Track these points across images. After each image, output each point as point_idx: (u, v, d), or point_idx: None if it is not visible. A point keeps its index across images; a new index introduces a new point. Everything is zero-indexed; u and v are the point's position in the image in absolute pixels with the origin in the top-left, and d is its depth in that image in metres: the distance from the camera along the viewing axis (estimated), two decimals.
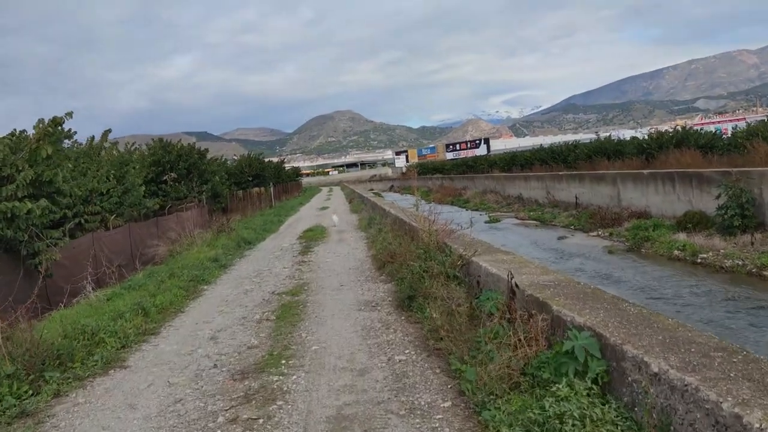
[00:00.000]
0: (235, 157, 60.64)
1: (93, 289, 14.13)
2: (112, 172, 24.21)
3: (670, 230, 21.62)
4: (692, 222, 21.11)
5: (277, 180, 70.25)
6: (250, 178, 56.15)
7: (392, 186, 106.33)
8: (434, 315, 7.96)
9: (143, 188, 27.20)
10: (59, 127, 16.46)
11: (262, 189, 58.62)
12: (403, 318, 9.55)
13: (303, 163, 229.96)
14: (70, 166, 17.14)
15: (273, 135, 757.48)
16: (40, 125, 15.59)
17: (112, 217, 23.66)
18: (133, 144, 36.06)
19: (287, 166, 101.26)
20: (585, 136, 77.63)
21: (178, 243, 24.06)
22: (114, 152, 27.09)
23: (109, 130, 27.00)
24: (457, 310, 7.78)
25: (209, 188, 37.24)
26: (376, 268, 14.66)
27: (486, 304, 7.25)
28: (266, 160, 68.68)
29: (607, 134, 51.95)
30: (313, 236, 24.74)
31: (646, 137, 38.33)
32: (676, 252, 19.47)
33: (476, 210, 42.56)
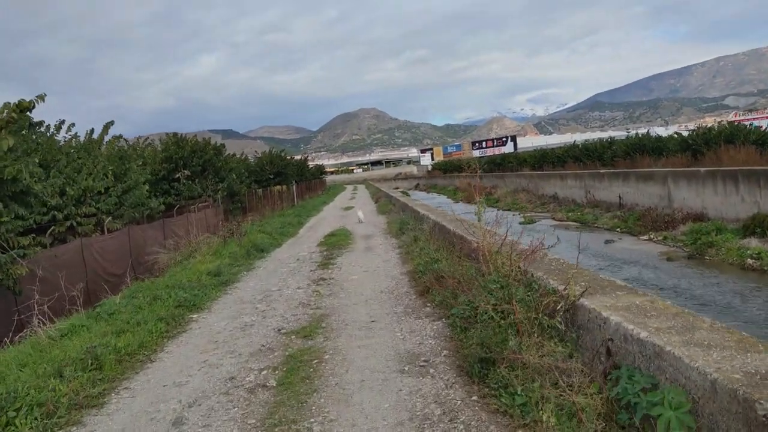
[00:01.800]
0: (257, 154, 57.89)
1: (50, 320, 10.88)
2: (111, 168, 21.33)
3: (735, 235, 19.93)
4: (762, 226, 19.29)
5: (300, 178, 68.05)
6: (272, 176, 53.91)
7: (418, 184, 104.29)
8: (546, 418, 4.54)
9: (147, 186, 24.17)
10: (27, 113, 13.36)
11: (284, 187, 55.95)
12: (474, 398, 5.99)
13: (327, 161, 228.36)
14: (36, 160, 14.02)
15: (298, 133, 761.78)
16: (5, 111, 12.52)
17: (108, 219, 20.79)
18: (147, 139, 33.61)
19: (311, 163, 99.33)
20: (613, 134, 76.58)
21: (179, 251, 20.95)
22: (116, 147, 24.01)
23: (111, 123, 24.05)
24: (581, 406, 4.44)
25: (225, 186, 34.40)
26: (417, 292, 11.25)
27: (646, 410, 3.92)
28: (289, 157, 66.07)
29: (642, 131, 49.45)
30: (336, 242, 21.46)
31: (690, 133, 36.31)
32: (749, 261, 17.76)
33: (508, 210, 40.21)
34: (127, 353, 8.68)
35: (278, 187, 54.85)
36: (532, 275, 7.13)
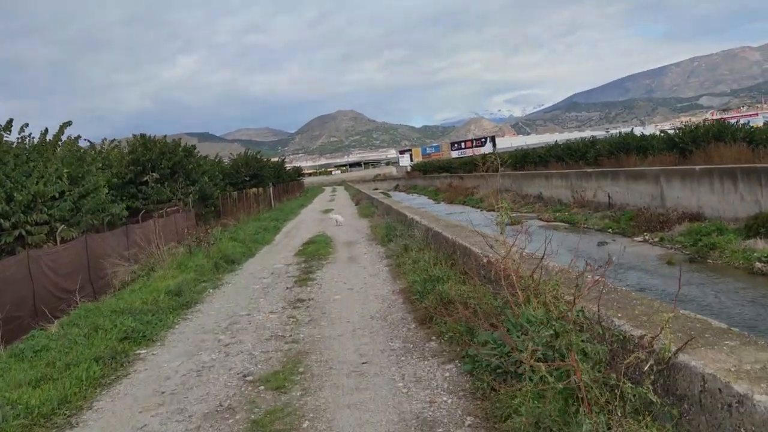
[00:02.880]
0: (232, 156, 55.98)
1: None
2: (66, 171, 19.23)
3: (738, 236, 18.85)
4: (766, 226, 18.34)
5: (278, 180, 65.96)
6: (247, 178, 51.93)
7: (398, 185, 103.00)
8: None
9: (107, 190, 22.03)
10: None
11: (261, 190, 53.98)
12: None
13: (305, 163, 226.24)
14: None
15: (275, 135, 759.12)
16: None
17: (61, 227, 18.73)
18: (113, 141, 31.57)
19: (289, 165, 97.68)
20: (591, 134, 77.05)
21: (139, 263, 18.80)
22: (73, 148, 21.88)
23: (69, 123, 21.80)
24: None
25: (197, 190, 32.34)
26: (417, 320, 9.16)
27: None
28: (266, 159, 64.16)
29: (624, 130, 49.16)
30: (315, 251, 19.34)
31: (676, 131, 35.82)
32: (758, 264, 16.53)
33: (491, 210, 37.49)
34: (42, 414, 6.53)
35: (254, 189, 52.97)
36: (599, 317, 5.10)
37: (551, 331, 4.81)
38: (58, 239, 18.44)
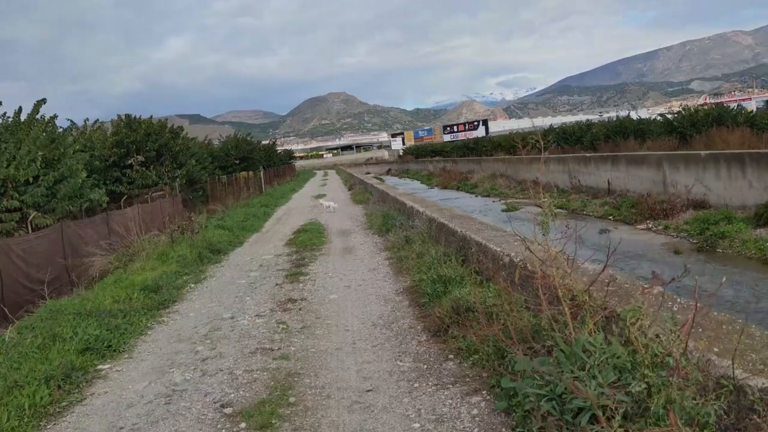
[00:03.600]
0: (222, 138, 54.52)
1: None
2: (40, 153, 18.00)
3: (747, 224, 18.29)
4: None
5: (268, 163, 64.66)
6: (237, 161, 50.73)
7: (390, 169, 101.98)
8: None
9: (85, 174, 20.67)
10: None
11: (251, 173, 52.57)
12: None
13: (297, 146, 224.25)
14: None
15: (266, 117, 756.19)
16: None
17: (34, 213, 17.49)
18: (96, 122, 30.16)
19: (280, 148, 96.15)
20: (583, 117, 76.92)
21: (116, 253, 17.41)
22: (48, 129, 20.49)
23: (43, 101, 20.34)
24: None
25: (184, 173, 30.99)
26: (427, 329, 7.78)
27: None
28: (257, 141, 62.71)
29: (623, 114, 48.75)
30: (307, 241, 17.99)
31: (674, 116, 36.02)
32: None
33: (487, 196, 39.83)
34: None
35: (244, 173, 51.62)
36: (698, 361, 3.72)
37: (643, 386, 3.46)
38: (30, 227, 17.21)
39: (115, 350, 8.34)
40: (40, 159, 17.83)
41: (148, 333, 9.29)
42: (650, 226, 21.98)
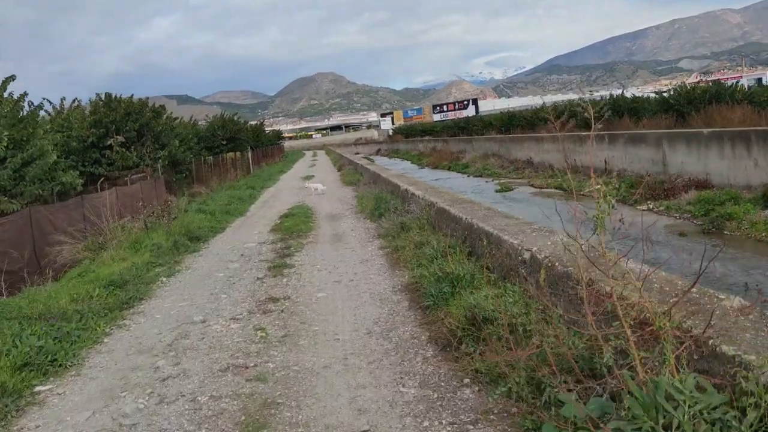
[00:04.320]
0: (208, 119, 52.99)
1: None
2: (6, 133, 16.83)
3: (754, 205, 17.55)
4: None
5: (256, 144, 63.05)
6: (224, 142, 49.04)
7: (379, 149, 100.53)
8: None
9: (56, 155, 19.31)
10: None
11: (238, 154, 51.06)
12: None
13: (286, 126, 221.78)
14: None
15: (255, 98, 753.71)
16: None
17: None
18: (75, 102, 28.64)
19: (268, 128, 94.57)
20: (573, 97, 76.33)
21: (85, 241, 16.03)
22: (16, 107, 19.09)
23: (12, 77, 18.87)
24: None
25: (166, 154, 29.54)
26: (434, 340, 6.45)
27: None
28: (244, 122, 61.13)
29: (618, 92, 48.06)
30: (294, 227, 16.62)
31: (670, 93, 34.30)
32: None
33: (479, 176, 38.81)
34: None
35: (231, 154, 50.06)
36: None
37: None
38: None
39: (61, 365, 6.98)
40: (6, 139, 16.48)
41: (105, 341, 7.93)
42: (651, 206, 21.17)
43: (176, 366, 6.70)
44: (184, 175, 33.80)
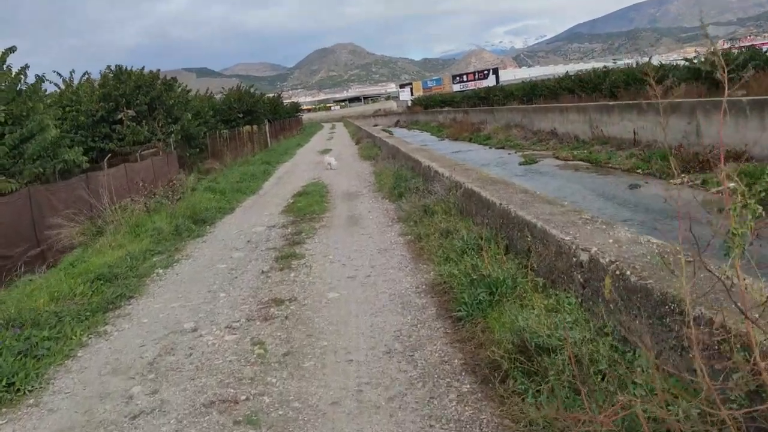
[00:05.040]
0: (224, 91, 51.77)
1: None
2: (2, 108, 15.91)
3: None
4: None
5: (274, 117, 61.72)
6: (241, 115, 47.64)
7: (398, 121, 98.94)
8: None
9: (56, 131, 18.27)
10: None
11: (255, 127, 49.90)
12: None
13: (304, 99, 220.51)
14: None
15: (274, 70, 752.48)
16: None
17: None
18: (84, 75, 27.63)
19: (287, 101, 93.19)
20: (597, 65, 74.57)
21: (84, 225, 14.91)
22: (15, 81, 18.03)
23: (12, 49, 17.80)
24: None
25: (179, 129, 28.47)
26: (468, 365, 5.14)
27: None
28: (261, 94, 59.86)
29: (633, 61, 46.45)
30: (307, 207, 15.37)
31: (701, 59, 32.08)
32: None
33: (501, 148, 37.31)
34: None
35: (248, 127, 48.89)
36: None
37: None
38: None
39: (18, 391, 5.77)
40: (2, 114, 15.63)
41: (78, 355, 6.71)
42: (686, 180, 19.51)
43: (153, 395, 5.45)
44: (198, 150, 32.72)
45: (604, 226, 6.07)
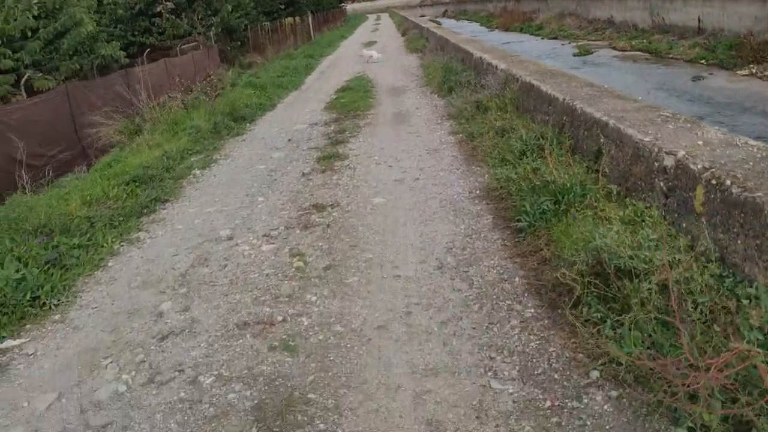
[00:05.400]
0: None
1: None
2: (35, 0, 15.42)
3: None
4: None
5: (317, 8, 59.95)
6: (283, 7, 46.27)
7: (446, 11, 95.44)
8: None
9: (92, 25, 17.78)
10: None
11: (298, 19, 48.50)
12: None
13: None
14: None
15: None
16: None
17: (30, 74, 14.96)
18: None
19: None
20: None
21: (122, 123, 14.43)
22: None
23: None
24: None
25: (218, 21, 27.73)
26: (533, 286, 4.55)
27: None
28: None
29: None
30: (351, 103, 14.61)
31: None
32: None
33: (554, 38, 36.09)
34: None
35: (290, 19, 47.52)
36: None
37: None
38: (23, 91, 14.69)
39: (43, 306, 5.40)
40: (35, 8, 15.19)
41: (108, 265, 6.30)
42: (754, 71, 18.69)
43: (183, 313, 5.00)
44: (239, 43, 31.89)
45: (689, 125, 5.28)
